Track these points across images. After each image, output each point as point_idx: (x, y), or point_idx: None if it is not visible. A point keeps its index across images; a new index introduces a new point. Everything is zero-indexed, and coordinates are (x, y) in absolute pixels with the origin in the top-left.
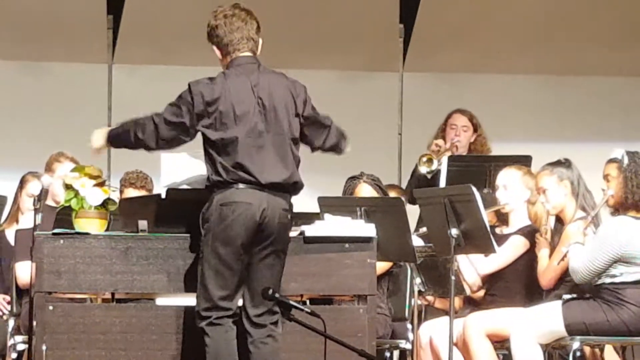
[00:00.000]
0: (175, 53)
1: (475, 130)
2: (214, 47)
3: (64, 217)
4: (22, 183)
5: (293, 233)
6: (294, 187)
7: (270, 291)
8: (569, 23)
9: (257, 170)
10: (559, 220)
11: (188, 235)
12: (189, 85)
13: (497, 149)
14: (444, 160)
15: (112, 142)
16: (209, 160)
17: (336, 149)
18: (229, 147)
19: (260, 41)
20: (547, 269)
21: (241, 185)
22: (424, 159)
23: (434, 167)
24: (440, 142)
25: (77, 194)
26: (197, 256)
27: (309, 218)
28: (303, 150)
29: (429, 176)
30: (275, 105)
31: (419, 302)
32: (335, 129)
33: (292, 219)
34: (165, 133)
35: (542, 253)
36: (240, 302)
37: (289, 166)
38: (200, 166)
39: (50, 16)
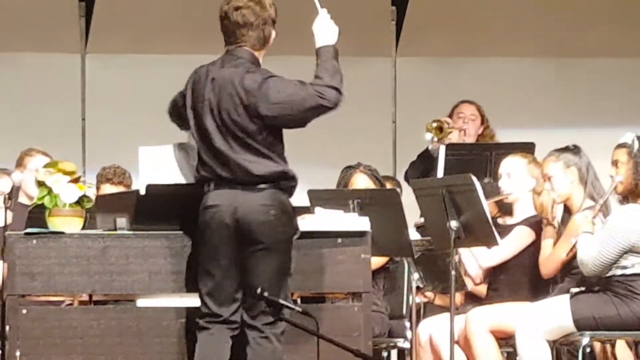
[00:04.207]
0: (150, 41)
1: (482, 122)
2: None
3: (36, 215)
4: None
5: None
6: (272, 179)
7: (259, 290)
8: (569, 3)
9: (220, 169)
10: (567, 210)
11: (169, 232)
12: None
13: (497, 136)
14: (442, 149)
15: None
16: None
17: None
18: (198, 142)
19: (273, 34)
20: (549, 258)
21: (212, 186)
22: (434, 124)
23: (441, 136)
24: (449, 119)
25: (50, 191)
26: (180, 255)
27: (298, 212)
28: (290, 140)
29: (430, 146)
30: (223, 103)
31: (418, 299)
32: (316, 100)
33: (278, 213)
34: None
35: (546, 242)
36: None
37: (259, 160)
38: (186, 156)
39: (19, 5)
